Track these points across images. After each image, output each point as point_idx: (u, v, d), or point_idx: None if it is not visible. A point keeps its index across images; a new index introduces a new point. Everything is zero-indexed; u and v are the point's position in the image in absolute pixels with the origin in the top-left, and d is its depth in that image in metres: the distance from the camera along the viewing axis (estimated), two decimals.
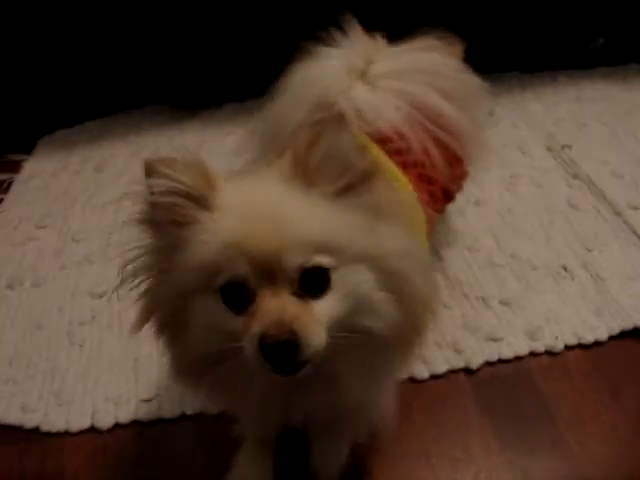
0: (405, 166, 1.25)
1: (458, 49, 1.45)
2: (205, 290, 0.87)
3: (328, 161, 0.87)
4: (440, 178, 1.31)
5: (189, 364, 0.95)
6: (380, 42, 1.39)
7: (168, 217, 0.88)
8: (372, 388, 1.03)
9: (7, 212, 2.00)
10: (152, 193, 0.88)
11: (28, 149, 2.29)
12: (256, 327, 0.81)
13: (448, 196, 1.41)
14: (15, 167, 2.20)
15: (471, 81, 1.42)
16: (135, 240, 0.93)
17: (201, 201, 0.87)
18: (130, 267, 0.94)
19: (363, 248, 0.87)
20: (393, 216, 0.91)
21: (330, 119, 0.98)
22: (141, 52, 2.25)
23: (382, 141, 1.24)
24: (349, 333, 0.86)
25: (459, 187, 1.46)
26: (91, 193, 2.05)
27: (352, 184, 0.88)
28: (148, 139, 2.26)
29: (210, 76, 2.32)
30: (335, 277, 0.85)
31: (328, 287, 0.85)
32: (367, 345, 0.90)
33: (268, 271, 0.83)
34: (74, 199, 2.03)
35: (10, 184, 2.13)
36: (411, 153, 1.24)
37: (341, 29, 1.33)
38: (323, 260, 0.84)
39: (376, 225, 0.89)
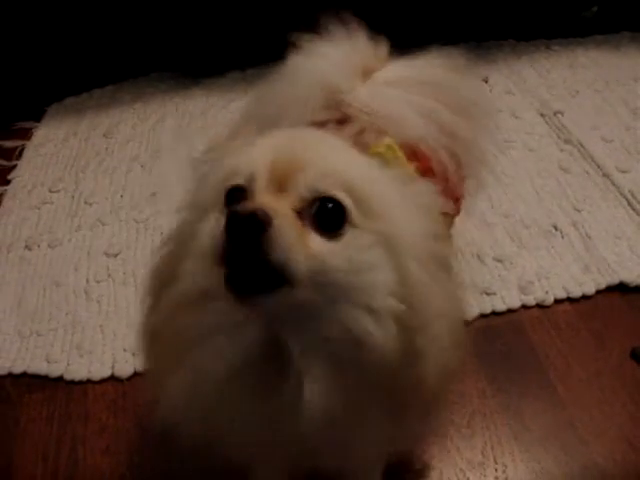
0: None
1: (460, 64, 1.30)
2: (213, 209, 0.77)
3: None
4: (453, 187, 1.14)
5: (166, 321, 0.79)
6: (384, 48, 1.23)
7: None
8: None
9: (20, 177, 2.06)
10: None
11: (37, 117, 2.32)
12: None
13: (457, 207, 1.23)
14: (26, 134, 2.24)
15: (476, 97, 1.30)
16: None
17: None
18: None
19: (397, 232, 0.74)
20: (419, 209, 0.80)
21: None
22: (146, 21, 2.28)
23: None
24: (336, 327, 0.71)
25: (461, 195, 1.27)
26: (101, 158, 2.10)
27: None
28: (154, 106, 2.31)
29: (213, 45, 2.36)
30: (351, 234, 0.72)
31: (338, 233, 0.72)
32: (354, 365, 0.73)
33: (282, 183, 0.73)
34: (85, 164, 2.09)
35: (22, 151, 2.17)
36: (424, 160, 1.08)
37: (344, 24, 1.21)
38: (344, 198, 0.72)
39: (402, 207, 0.78)
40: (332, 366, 0.73)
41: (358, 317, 0.71)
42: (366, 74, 1.16)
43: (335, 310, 0.71)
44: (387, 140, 1.04)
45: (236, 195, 0.74)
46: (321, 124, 1.08)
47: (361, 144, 1.02)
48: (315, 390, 0.72)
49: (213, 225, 0.74)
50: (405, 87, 1.13)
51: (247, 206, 0.67)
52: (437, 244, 0.79)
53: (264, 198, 0.71)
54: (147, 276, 0.85)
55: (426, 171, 1.06)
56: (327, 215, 0.72)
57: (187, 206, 0.83)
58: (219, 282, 0.68)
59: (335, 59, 1.15)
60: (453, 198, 1.12)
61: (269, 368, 0.74)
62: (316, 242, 0.70)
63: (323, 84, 1.12)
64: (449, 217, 1.10)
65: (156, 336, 0.82)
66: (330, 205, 0.72)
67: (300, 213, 0.71)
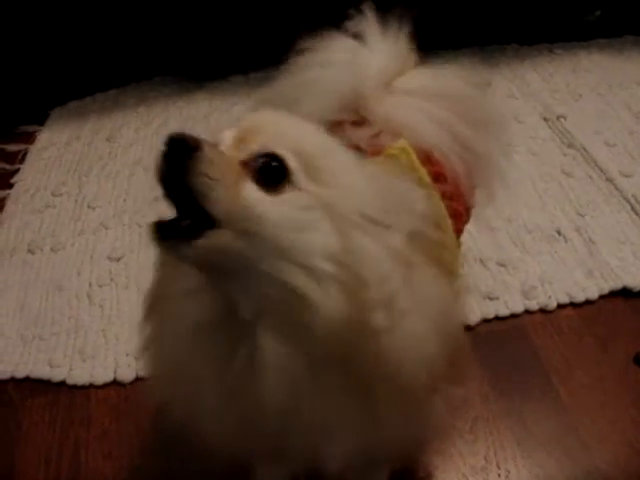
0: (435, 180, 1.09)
1: (479, 78, 1.34)
2: None
3: None
4: (464, 194, 1.14)
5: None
6: (412, 54, 1.20)
7: None
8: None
9: (24, 181, 2.06)
10: None
11: (41, 120, 2.32)
12: None
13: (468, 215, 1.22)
14: (29, 138, 2.24)
15: (493, 112, 1.29)
16: None
17: None
18: None
19: (342, 205, 0.74)
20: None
21: None
22: (149, 25, 2.28)
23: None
24: (278, 283, 0.71)
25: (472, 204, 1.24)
26: (104, 162, 2.11)
27: None
28: (157, 110, 2.31)
29: (216, 49, 2.36)
30: (291, 193, 0.73)
31: (276, 190, 0.72)
32: (300, 326, 0.72)
33: (241, 144, 0.75)
34: (88, 168, 2.09)
35: (25, 154, 2.17)
36: (437, 166, 1.08)
37: (381, 23, 1.18)
38: (290, 159, 0.73)
39: (356, 179, 0.79)
40: (281, 327, 0.73)
41: (294, 274, 0.71)
42: (390, 80, 1.16)
43: (271, 265, 0.71)
44: (402, 142, 1.04)
45: None
46: (337, 124, 1.08)
47: (376, 145, 1.04)
48: (268, 350, 0.73)
49: None
50: (424, 98, 1.13)
51: (178, 133, 0.69)
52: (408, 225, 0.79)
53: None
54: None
55: (438, 176, 1.07)
56: (268, 170, 0.73)
57: None
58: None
59: (367, 65, 1.13)
60: (463, 205, 1.13)
61: (227, 334, 0.75)
62: (250, 190, 0.71)
63: (349, 88, 1.12)
64: (458, 224, 1.12)
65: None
66: (273, 162, 0.73)
67: (245, 164, 0.73)
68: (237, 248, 0.70)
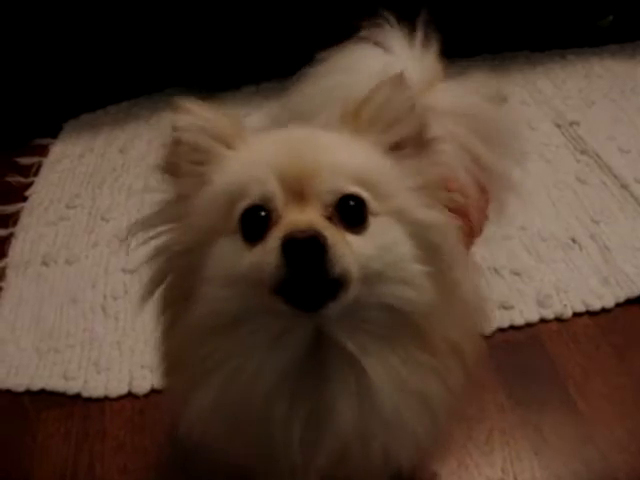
0: None
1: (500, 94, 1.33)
2: (224, 231, 0.77)
3: (380, 113, 0.82)
4: (472, 210, 1.14)
5: (191, 346, 0.80)
6: (440, 67, 1.23)
7: (191, 157, 0.82)
8: (421, 417, 0.82)
9: (38, 194, 2.07)
10: (177, 130, 0.84)
11: (54, 133, 2.34)
12: (278, 233, 0.70)
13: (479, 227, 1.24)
14: (43, 151, 2.25)
15: (512, 130, 1.32)
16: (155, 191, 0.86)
17: (228, 141, 0.83)
18: (146, 219, 0.87)
19: (405, 204, 0.79)
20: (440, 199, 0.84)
21: (389, 78, 0.84)
22: (160, 37, 2.30)
23: None
24: (378, 306, 0.76)
25: (485, 217, 1.27)
26: (117, 174, 2.11)
27: (403, 143, 0.82)
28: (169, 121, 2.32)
29: (227, 60, 2.37)
30: (373, 223, 0.76)
31: (364, 226, 0.75)
32: (399, 329, 0.78)
33: (299, 192, 0.74)
34: (101, 180, 2.10)
35: (39, 167, 2.18)
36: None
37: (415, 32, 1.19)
38: (362, 192, 0.76)
39: (422, 195, 0.81)
40: (387, 341, 0.78)
41: (396, 291, 0.76)
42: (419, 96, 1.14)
43: (376, 293, 0.76)
44: None
45: (253, 214, 0.75)
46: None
47: None
48: (379, 368, 0.77)
49: (227, 247, 0.77)
50: (446, 116, 1.13)
51: (300, 232, 0.69)
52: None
53: (295, 213, 0.73)
54: (155, 304, 0.88)
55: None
56: (352, 213, 0.76)
57: (181, 229, 0.83)
58: (268, 303, 0.73)
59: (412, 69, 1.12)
60: (469, 218, 1.12)
61: (312, 369, 0.78)
62: (353, 241, 0.74)
63: None
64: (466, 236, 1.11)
65: (177, 360, 0.85)
66: (352, 203, 0.76)
67: (330, 218, 0.75)
68: (360, 293, 0.74)
